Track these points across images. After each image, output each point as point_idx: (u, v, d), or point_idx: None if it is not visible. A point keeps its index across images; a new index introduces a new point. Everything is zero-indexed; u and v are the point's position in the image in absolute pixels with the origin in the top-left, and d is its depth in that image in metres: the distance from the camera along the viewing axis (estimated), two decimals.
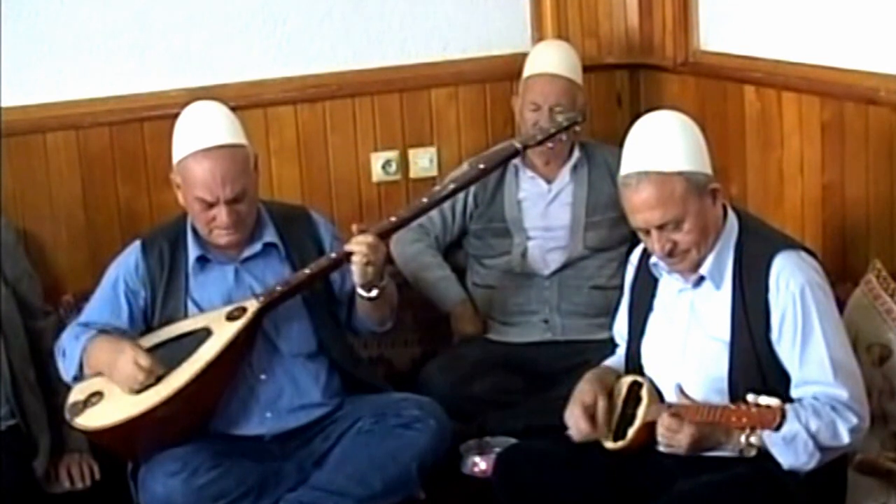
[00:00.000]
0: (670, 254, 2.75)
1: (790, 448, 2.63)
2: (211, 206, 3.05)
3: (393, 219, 3.22)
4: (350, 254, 3.07)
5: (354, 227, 3.11)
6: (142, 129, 3.72)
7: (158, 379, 2.98)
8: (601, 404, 2.86)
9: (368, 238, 3.06)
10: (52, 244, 3.69)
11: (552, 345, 3.65)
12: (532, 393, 3.52)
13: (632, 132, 2.79)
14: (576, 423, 2.86)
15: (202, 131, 3.07)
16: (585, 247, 3.70)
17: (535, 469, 2.86)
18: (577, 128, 3.49)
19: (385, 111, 3.99)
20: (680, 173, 2.69)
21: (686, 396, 2.72)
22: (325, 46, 3.93)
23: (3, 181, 3.57)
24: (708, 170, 2.76)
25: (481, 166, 3.44)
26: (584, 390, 2.90)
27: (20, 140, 3.63)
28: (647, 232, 2.75)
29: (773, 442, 2.62)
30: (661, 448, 2.78)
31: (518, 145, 3.44)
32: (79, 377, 3.10)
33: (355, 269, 3.08)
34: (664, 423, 2.72)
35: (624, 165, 2.77)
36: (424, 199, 3.34)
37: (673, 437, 2.71)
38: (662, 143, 2.72)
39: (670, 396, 2.80)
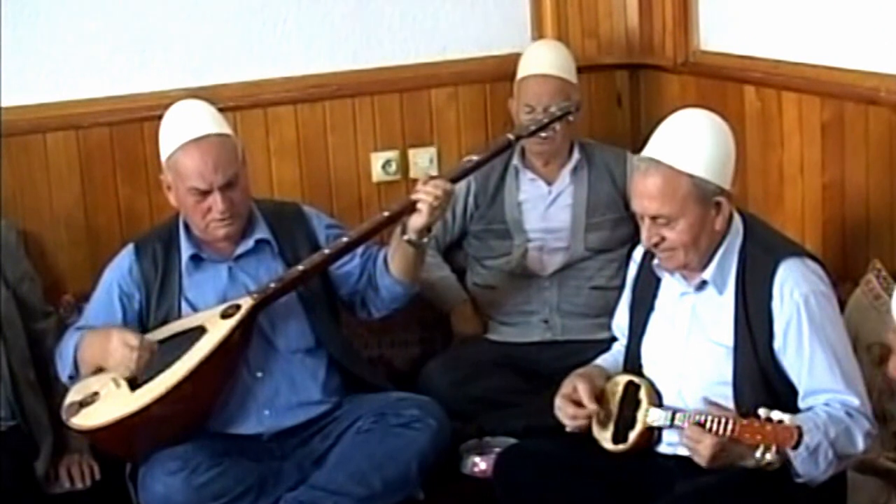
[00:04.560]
0: (655, 246, 2.75)
1: (812, 458, 2.59)
2: (205, 195, 3.06)
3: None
4: (415, 202, 3.10)
5: (424, 177, 3.19)
6: (142, 129, 3.71)
7: (154, 376, 2.98)
8: (580, 386, 2.85)
9: (447, 185, 3.11)
10: (52, 244, 3.69)
11: (552, 345, 3.65)
12: (532, 393, 3.51)
13: (666, 119, 2.78)
14: (562, 410, 2.86)
15: (188, 125, 3.10)
16: (586, 248, 3.70)
17: (535, 469, 2.86)
18: (571, 118, 3.44)
19: (385, 111, 3.99)
20: (690, 175, 2.68)
21: (714, 404, 2.67)
22: (324, 46, 3.93)
23: (3, 181, 3.58)
24: (723, 183, 2.72)
25: (474, 158, 3.39)
26: (564, 385, 2.90)
27: (20, 140, 3.63)
28: (643, 218, 2.75)
29: (797, 453, 2.55)
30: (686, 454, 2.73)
31: (511, 137, 3.41)
32: (74, 377, 3.11)
33: (425, 212, 3.09)
34: (686, 433, 2.67)
35: (645, 149, 2.75)
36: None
37: (695, 448, 2.64)
38: (685, 141, 2.70)
39: (670, 399, 2.80)
